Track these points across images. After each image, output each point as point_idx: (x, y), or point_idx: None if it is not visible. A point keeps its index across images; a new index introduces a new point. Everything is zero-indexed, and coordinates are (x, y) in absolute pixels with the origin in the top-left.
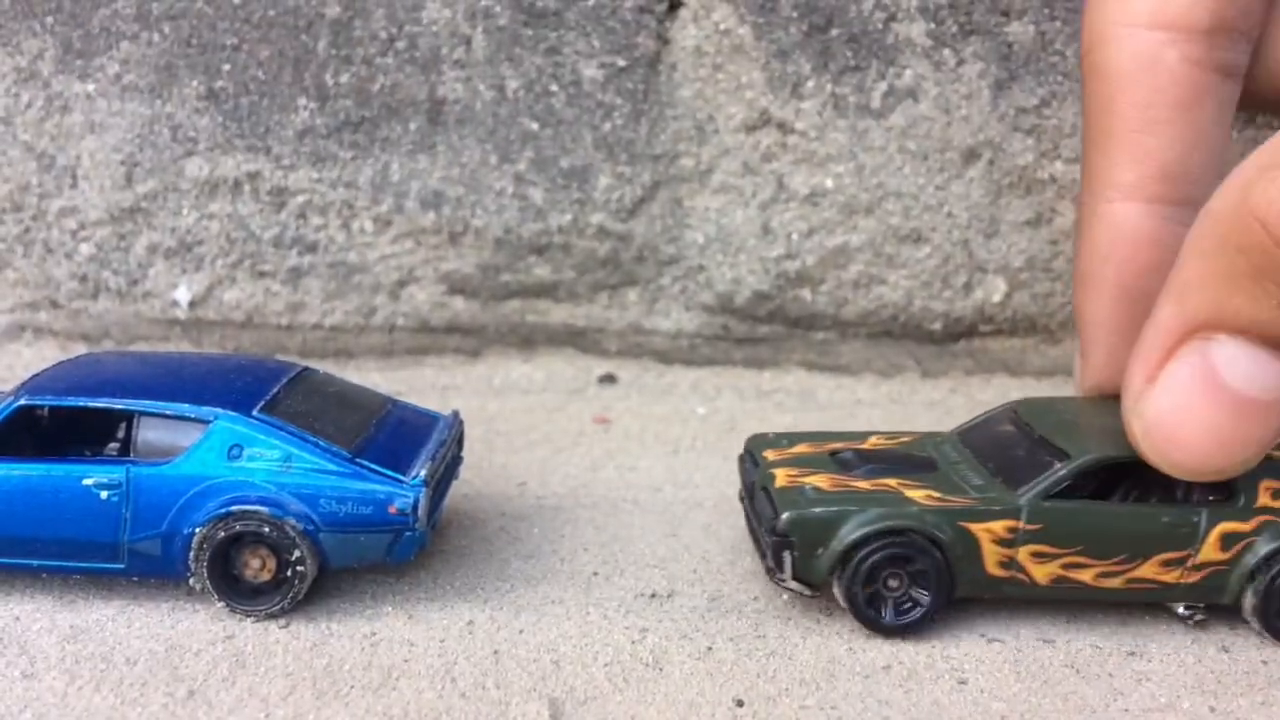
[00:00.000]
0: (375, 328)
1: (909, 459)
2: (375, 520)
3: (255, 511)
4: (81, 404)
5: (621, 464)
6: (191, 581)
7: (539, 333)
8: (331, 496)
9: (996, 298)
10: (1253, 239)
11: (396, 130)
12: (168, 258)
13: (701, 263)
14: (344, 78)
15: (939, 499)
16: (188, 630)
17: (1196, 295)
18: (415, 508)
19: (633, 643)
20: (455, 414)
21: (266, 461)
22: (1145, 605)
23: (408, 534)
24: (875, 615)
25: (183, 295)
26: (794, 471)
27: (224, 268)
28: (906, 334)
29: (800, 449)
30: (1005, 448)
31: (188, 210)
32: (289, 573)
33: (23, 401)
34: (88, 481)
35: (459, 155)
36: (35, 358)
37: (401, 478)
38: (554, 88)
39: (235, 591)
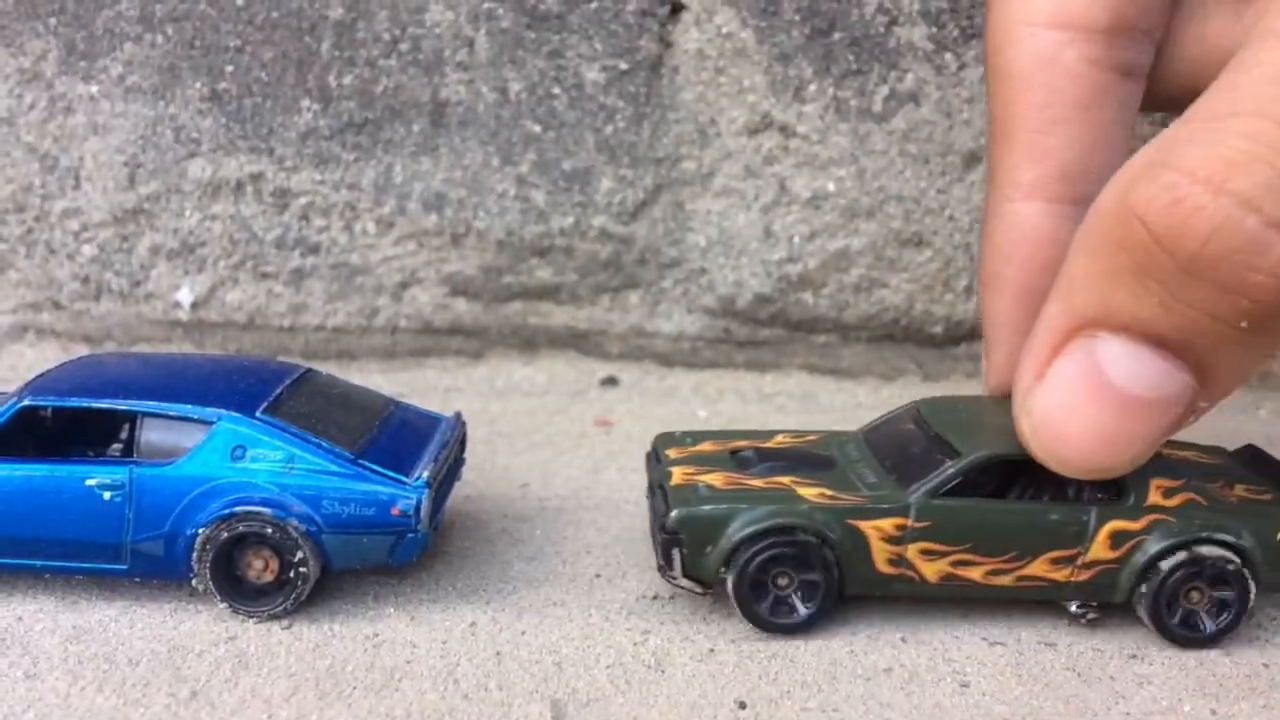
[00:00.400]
0: (377, 329)
1: (809, 457)
2: (378, 521)
3: (258, 512)
4: (85, 405)
5: (623, 466)
6: (194, 582)
7: (541, 335)
8: (334, 498)
9: None
10: (1134, 236)
11: (399, 132)
12: (170, 259)
13: (703, 265)
14: (347, 79)
15: (830, 497)
16: (190, 631)
17: (1082, 292)
18: (418, 509)
19: (635, 645)
20: (458, 415)
21: (269, 462)
22: None
23: (410, 535)
24: (764, 613)
25: (185, 296)
26: (690, 469)
27: (226, 269)
28: (908, 337)
29: (703, 447)
30: (903, 446)
31: (190, 211)
32: (291, 574)
33: (26, 402)
34: (91, 482)
35: (461, 157)
36: (37, 359)
37: (404, 479)
38: (556, 90)
39: (238, 592)
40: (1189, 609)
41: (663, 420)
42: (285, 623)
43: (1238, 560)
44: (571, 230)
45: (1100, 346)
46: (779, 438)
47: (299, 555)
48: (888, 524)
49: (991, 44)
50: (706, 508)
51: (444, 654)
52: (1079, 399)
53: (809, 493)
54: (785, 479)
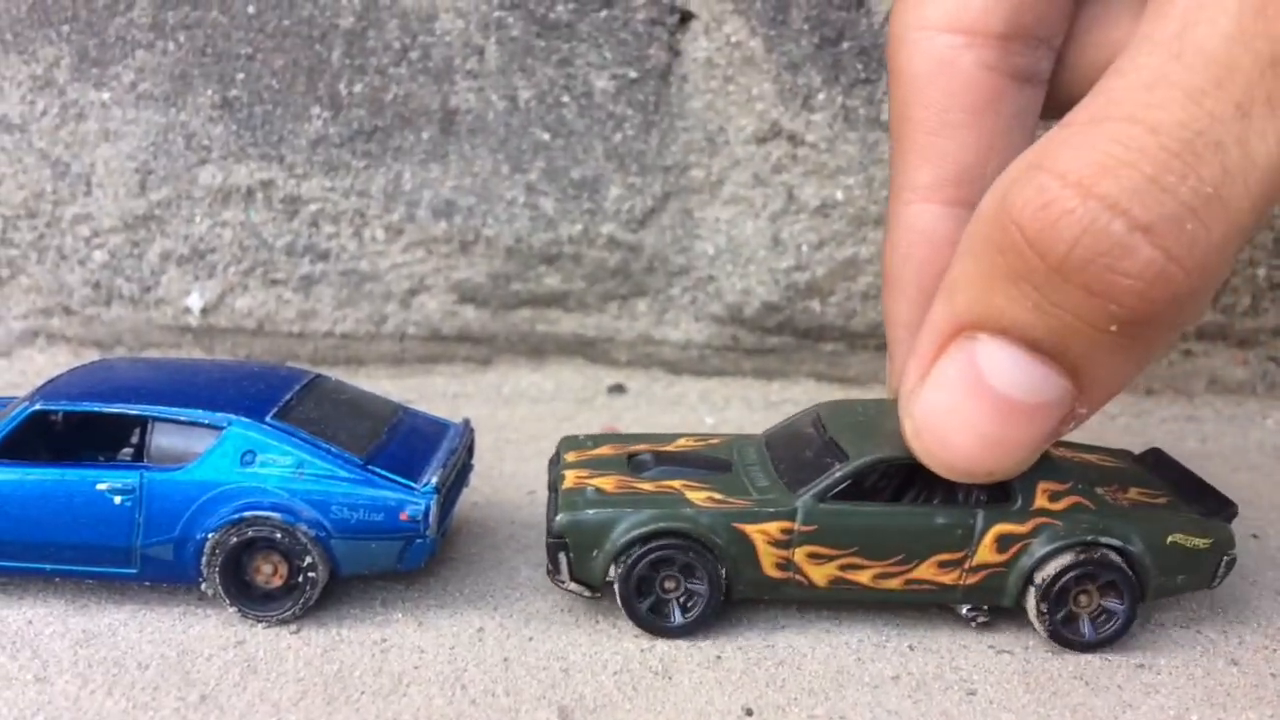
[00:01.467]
0: (386, 336)
1: (706, 460)
2: (386, 527)
3: (267, 517)
4: (96, 409)
5: None
6: (203, 587)
7: (549, 342)
8: (343, 503)
9: None
10: (1010, 239)
11: (409, 139)
12: (180, 265)
13: (711, 273)
14: (357, 87)
15: (718, 501)
16: (199, 635)
17: (963, 294)
18: (426, 515)
19: (642, 651)
20: (466, 422)
21: (279, 468)
22: (1154, 618)
23: (418, 541)
24: (650, 617)
25: (195, 302)
26: (584, 473)
27: (236, 275)
28: None
29: (602, 450)
30: (798, 449)
31: (201, 218)
32: (300, 579)
33: (37, 407)
34: (101, 486)
35: (471, 165)
36: (48, 364)
37: (413, 485)
38: (566, 98)
39: (247, 597)
40: (1078, 612)
41: (670, 428)
42: (294, 628)
43: (1124, 563)
44: (580, 238)
45: (980, 349)
46: (681, 440)
47: (308, 560)
48: (773, 528)
49: (891, 47)
50: (591, 512)
51: (451, 660)
52: (959, 401)
53: (697, 496)
54: (676, 483)
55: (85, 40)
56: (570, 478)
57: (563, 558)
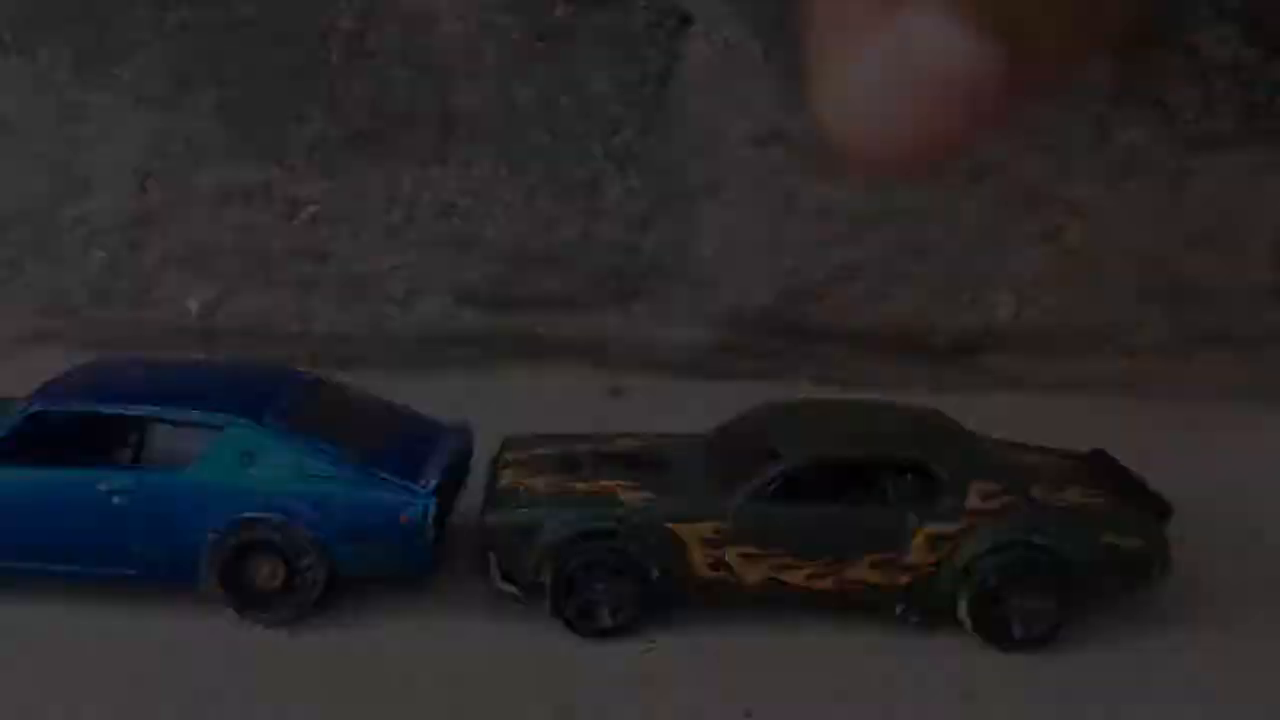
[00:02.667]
0: (385, 337)
1: (645, 460)
2: (385, 528)
3: (266, 518)
4: (95, 410)
5: None
6: (202, 587)
7: (548, 344)
8: (342, 504)
9: (1004, 313)
10: None
11: (408, 141)
12: (179, 266)
13: (710, 275)
14: (357, 89)
15: (651, 500)
16: (198, 636)
17: None
18: (425, 516)
19: (642, 651)
20: (465, 424)
21: (278, 468)
22: (1150, 620)
23: (418, 542)
24: (581, 617)
25: (194, 303)
26: (521, 473)
27: (235, 276)
28: (914, 347)
29: (544, 450)
30: (737, 449)
31: (200, 219)
32: (299, 580)
33: (36, 408)
34: (101, 487)
35: (470, 167)
36: (48, 364)
37: (412, 486)
38: (565, 101)
39: (245, 598)
40: (1010, 612)
41: (669, 429)
42: (292, 628)
43: (1055, 564)
44: (579, 240)
45: (901, 20)
46: (625, 440)
47: (306, 561)
48: (705, 527)
49: None
50: (520, 512)
51: (451, 660)
52: (880, 76)
53: (630, 496)
54: (611, 483)
55: (85, 41)
56: (506, 477)
57: (492, 558)
